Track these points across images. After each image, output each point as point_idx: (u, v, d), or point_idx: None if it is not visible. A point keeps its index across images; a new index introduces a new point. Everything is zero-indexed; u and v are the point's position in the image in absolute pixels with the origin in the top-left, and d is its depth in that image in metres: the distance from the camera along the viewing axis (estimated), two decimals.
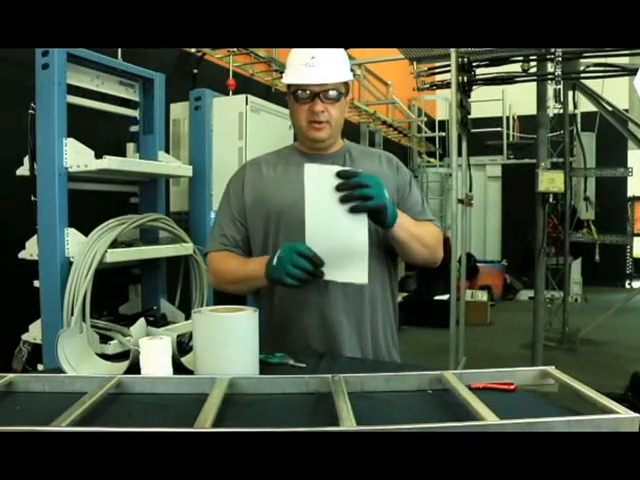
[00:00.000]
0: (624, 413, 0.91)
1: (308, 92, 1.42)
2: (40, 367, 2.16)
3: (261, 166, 1.57)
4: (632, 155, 8.35)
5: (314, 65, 1.40)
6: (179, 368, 1.26)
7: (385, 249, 1.53)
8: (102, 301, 2.26)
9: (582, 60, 4.58)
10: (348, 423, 0.88)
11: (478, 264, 8.21)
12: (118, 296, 2.71)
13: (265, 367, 1.27)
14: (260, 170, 1.56)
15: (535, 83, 4.69)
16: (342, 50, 1.47)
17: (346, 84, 1.47)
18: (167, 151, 2.72)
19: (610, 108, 4.90)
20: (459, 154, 4.32)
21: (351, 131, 5.88)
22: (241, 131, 2.87)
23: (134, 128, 2.65)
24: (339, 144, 1.58)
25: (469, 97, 4.35)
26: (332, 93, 1.43)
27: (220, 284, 1.57)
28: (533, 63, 4.54)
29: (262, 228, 1.52)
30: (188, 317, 2.46)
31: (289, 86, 1.46)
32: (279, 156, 1.59)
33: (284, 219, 1.48)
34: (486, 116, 7.73)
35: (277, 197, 1.50)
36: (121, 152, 2.63)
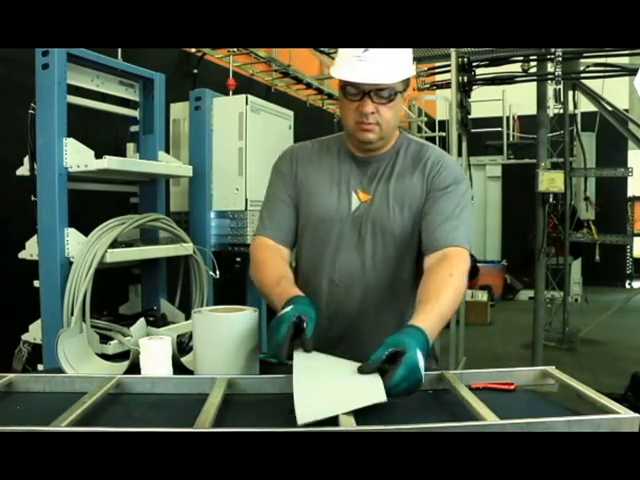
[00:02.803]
0: (624, 413, 0.91)
1: (358, 89, 1.28)
2: (40, 367, 2.15)
3: (312, 158, 1.47)
4: (632, 155, 8.35)
5: (366, 59, 1.23)
6: (179, 368, 1.26)
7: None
8: (102, 301, 2.26)
9: (582, 60, 4.59)
10: (348, 423, 0.88)
11: (478, 264, 8.19)
12: (118, 296, 2.70)
13: (265, 367, 1.27)
14: (311, 161, 1.46)
15: (535, 83, 4.69)
16: None
17: (406, 79, 1.31)
18: (167, 151, 2.72)
19: (610, 108, 4.90)
20: (459, 154, 4.32)
21: None
22: (241, 131, 2.87)
23: (134, 128, 2.65)
24: (392, 142, 1.43)
25: (469, 97, 4.34)
26: (385, 92, 1.28)
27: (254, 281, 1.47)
28: (533, 63, 4.54)
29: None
30: (188, 317, 2.46)
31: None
32: (330, 153, 1.47)
33: (309, 228, 1.43)
34: (486, 116, 7.72)
35: (309, 204, 1.44)
36: (121, 152, 2.63)
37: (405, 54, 1.28)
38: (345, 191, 1.41)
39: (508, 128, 8.47)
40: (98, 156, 2.10)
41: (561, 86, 4.31)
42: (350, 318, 1.42)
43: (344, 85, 1.29)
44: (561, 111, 5.43)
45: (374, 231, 1.38)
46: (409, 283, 1.39)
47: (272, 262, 1.40)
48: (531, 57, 4.43)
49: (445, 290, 1.22)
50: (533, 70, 4.57)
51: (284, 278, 1.32)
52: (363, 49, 1.22)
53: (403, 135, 1.46)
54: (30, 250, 2.18)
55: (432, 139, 8.81)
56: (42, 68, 2.05)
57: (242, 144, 2.87)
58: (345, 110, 1.34)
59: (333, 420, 0.92)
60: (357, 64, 1.23)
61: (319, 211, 1.42)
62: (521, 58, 4.43)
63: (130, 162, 2.37)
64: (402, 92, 1.32)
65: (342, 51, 1.28)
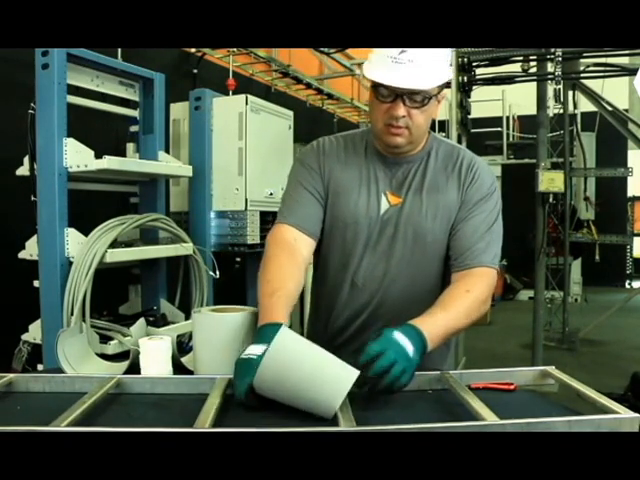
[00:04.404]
0: (624, 413, 0.91)
1: (390, 91, 1.23)
2: (40, 367, 2.15)
3: (339, 155, 1.41)
4: (632, 155, 8.36)
5: (403, 61, 1.18)
6: (179, 368, 1.26)
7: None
8: (102, 301, 2.26)
9: (582, 60, 4.59)
10: (348, 423, 0.88)
11: None
12: (118, 296, 2.70)
13: None
14: (338, 158, 1.40)
15: (535, 83, 4.69)
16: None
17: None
18: (167, 151, 2.72)
19: (610, 108, 4.90)
20: None
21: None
22: (241, 131, 2.87)
23: (134, 128, 2.65)
24: (422, 144, 1.39)
25: (469, 97, 4.35)
26: (418, 97, 1.23)
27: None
28: (533, 63, 4.54)
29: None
30: (188, 317, 2.46)
31: None
32: (357, 151, 1.41)
33: (335, 230, 1.38)
34: (486, 116, 7.73)
35: (337, 204, 1.38)
36: (121, 152, 2.63)
37: (443, 58, 1.23)
38: (374, 193, 1.36)
39: (508, 128, 8.47)
40: (98, 156, 2.10)
41: (561, 86, 4.31)
42: (368, 322, 1.39)
43: (376, 85, 1.24)
44: (561, 111, 5.43)
45: (405, 236, 1.34)
46: (433, 291, 1.34)
47: (277, 266, 1.27)
48: (531, 57, 4.43)
49: (456, 303, 1.20)
50: (533, 70, 4.58)
51: (280, 291, 1.19)
52: (399, 50, 1.17)
53: (432, 136, 1.41)
54: (30, 250, 2.18)
55: None
56: (42, 68, 2.05)
57: (242, 144, 2.87)
58: (375, 111, 1.29)
59: (333, 420, 0.93)
60: (392, 65, 1.19)
61: (347, 213, 1.36)
62: (521, 58, 4.43)
63: (130, 162, 2.37)
64: (436, 96, 1.27)
65: (377, 50, 1.23)
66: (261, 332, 1.09)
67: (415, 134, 1.30)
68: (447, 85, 1.36)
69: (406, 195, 1.35)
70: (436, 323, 1.13)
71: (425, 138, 1.38)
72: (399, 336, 1.03)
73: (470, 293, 1.23)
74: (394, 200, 1.36)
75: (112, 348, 1.96)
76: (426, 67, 1.19)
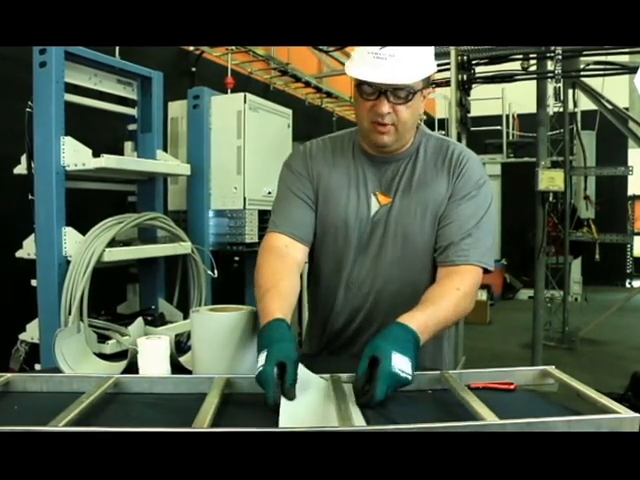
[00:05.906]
0: (624, 413, 0.90)
1: (374, 88, 1.22)
2: (38, 367, 2.15)
3: (327, 158, 1.40)
4: (632, 154, 8.34)
5: (384, 56, 1.17)
6: (177, 368, 1.26)
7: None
8: (100, 300, 2.26)
9: (582, 58, 4.58)
10: (347, 423, 0.87)
11: None
12: (116, 295, 2.70)
13: None
14: (325, 161, 1.39)
15: (535, 81, 4.68)
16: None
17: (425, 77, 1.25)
18: (165, 150, 2.72)
19: (610, 106, 4.90)
20: None
21: None
22: (239, 130, 2.86)
23: (132, 126, 2.64)
24: (410, 141, 1.36)
25: (469, 95, 4.34)
26: (402, 92, 1.22)
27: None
28: (533, 61, 4.54)
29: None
30: (186, 316, 2.45)
31: None
32: (344, 152, 1.40)
33: (326, 235, 1.37)
34: (486, 114, 7.71)
35: (327, 208, 1.36)
36: (119, 151, 2.63)
37: (425, 51, 1.22)
38: (364, 194, 1.35)
39: (508, 127, 8.47)
40: (96, 155, 2.09)
41: (561, 84, 4.31)
42: (364, 324, 1.39)
43: (359, 83, 1.23)
44: (561, 109, 5.42)
45: (395, 236, 1.33)
46: (426, 289, 1.29)
47: (268, 268, 1.29)
48: (531, 55, 4.43)
49: (446, 298, 1.21)
50: (533, 68, 4.57)
51: (272, 289, 1.21)
52: (380, 46, 1.16)
53: (421, 131, 1.38)
54: (28, 249, 2.18)
55: None
56: (39, 66, 2.04)
57: (240, 143, 2.87)
58: (360, 109, 1.28)
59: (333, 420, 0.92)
60: (374, 62, 1.17)
61: (338, 216, 1.35)
62: (521, 56, 4.42)
63: (128, 161, 2.36)
64: (421, 91, 1.26)
65: (358, 48, 1.22)
66: (260, 337, 1.09)
67: (402, 131, 1.28)
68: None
69: (395, 194, 1.34)
70: (427, 317, 1.13)
71: (413, 134, 1.36)
72: (398, 363, 1.00)
73: (460, 291, 1.23)
74: (384, 200, 1.34)
75: (110, 348, 1.95)
76: (408, 61, 1.18)
